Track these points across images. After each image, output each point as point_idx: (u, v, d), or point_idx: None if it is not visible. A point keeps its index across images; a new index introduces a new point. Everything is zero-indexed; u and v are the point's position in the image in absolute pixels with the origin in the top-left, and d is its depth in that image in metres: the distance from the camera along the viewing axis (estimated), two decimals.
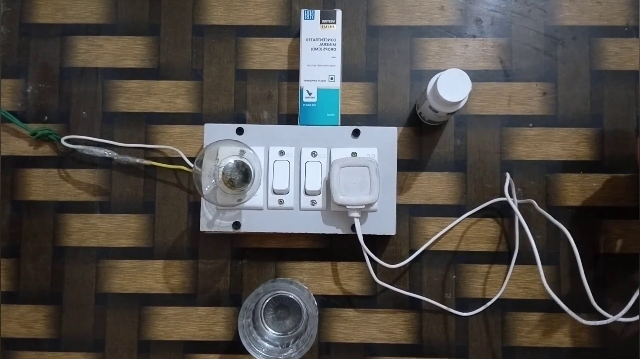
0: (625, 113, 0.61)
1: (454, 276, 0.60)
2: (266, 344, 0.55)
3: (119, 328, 0.61)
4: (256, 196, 0.57)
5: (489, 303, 0.59)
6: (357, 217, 0.55)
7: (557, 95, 0.62)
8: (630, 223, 0.60)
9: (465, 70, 0.62)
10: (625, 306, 0.52)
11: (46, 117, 0.62)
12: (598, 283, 0.60)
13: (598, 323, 0.53)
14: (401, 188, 0.61)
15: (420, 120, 0.61)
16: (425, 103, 0.56)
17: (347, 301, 0.61)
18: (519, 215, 0.57)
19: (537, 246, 0.60)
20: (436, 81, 0.53)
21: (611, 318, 0.53)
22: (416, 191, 0.61)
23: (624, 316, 0.54)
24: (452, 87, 0.52)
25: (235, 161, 0.54)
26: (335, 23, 0.59)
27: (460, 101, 0.53)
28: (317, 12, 0.60)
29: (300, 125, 0.59)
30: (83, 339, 0.61)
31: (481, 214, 0.61)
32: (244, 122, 0.62)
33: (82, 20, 0.63)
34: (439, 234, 0.60)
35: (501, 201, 0.60)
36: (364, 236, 0.56)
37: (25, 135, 0.62)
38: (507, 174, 0.59)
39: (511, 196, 0.59)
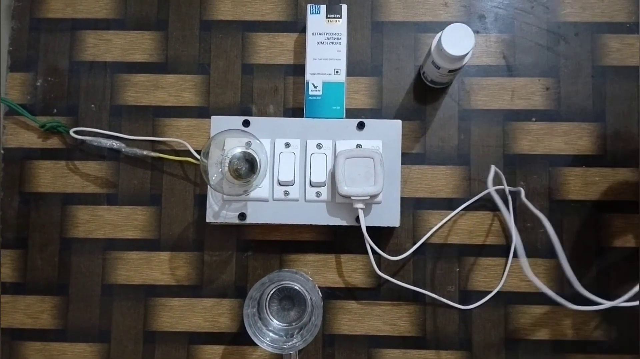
0: (626, 108, 0.62)
1: (458, 269, 0.61)
2: (271, 334, 0.55)
3: (124, 319, 0.61)
4: (261, 187, 0.57)
5: (488, 296, 0.60)
6: (361, 208, 0.56)
7: (559, 90, 0.62)
8: (632, 216, 0.61)
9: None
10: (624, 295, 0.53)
11: (55, 110, 0.63)
12: (600, 276, 0.60)
13: (589, 308, 0.53)
14: (405, 181, 0.61)
15: (425, 84, 0.62)
16: (429, 60, 0.56)
17: (351, 293, 0.61)
18: (502, 207, 0.55)
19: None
20: (440, 36, 0.53)
21: (607, 304, 0.53)
22: (420, 185, 0.62)
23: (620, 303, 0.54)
24: (456, 41, 0.53)
25: (242, 151, 0.54)
26: (340, 18, 0.60)
27: (464, 56, 0.53)
28: (323, 7, 0.60)
29: (305, 117, 0.60)
30: (89, 330, 0.61)
31: (486, 208, 0.61)
32: (250, 115, 0.63)
33: (91, 15, 0.64)
34: (437, 226, 0.60)
35: (502, 194, 0.61)
36: (368, 228, 0.57)
37: (34, 127, 0.63)
38: (492, 166, 0.58)
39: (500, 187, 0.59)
